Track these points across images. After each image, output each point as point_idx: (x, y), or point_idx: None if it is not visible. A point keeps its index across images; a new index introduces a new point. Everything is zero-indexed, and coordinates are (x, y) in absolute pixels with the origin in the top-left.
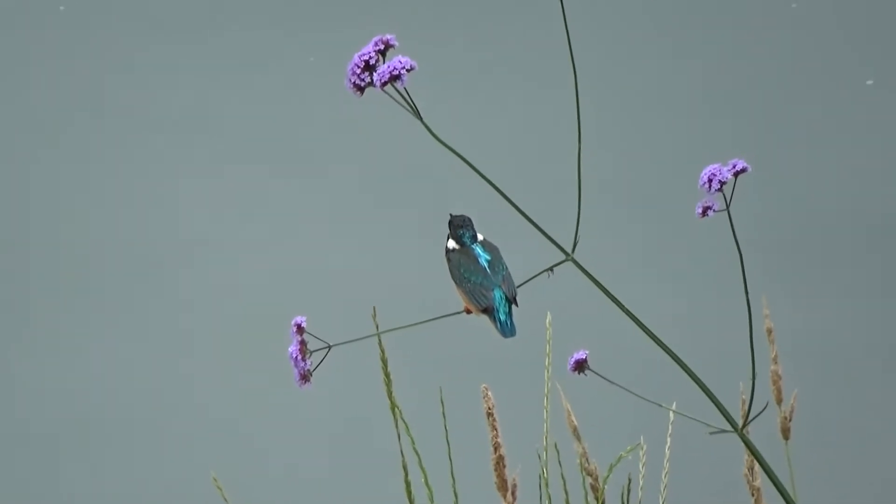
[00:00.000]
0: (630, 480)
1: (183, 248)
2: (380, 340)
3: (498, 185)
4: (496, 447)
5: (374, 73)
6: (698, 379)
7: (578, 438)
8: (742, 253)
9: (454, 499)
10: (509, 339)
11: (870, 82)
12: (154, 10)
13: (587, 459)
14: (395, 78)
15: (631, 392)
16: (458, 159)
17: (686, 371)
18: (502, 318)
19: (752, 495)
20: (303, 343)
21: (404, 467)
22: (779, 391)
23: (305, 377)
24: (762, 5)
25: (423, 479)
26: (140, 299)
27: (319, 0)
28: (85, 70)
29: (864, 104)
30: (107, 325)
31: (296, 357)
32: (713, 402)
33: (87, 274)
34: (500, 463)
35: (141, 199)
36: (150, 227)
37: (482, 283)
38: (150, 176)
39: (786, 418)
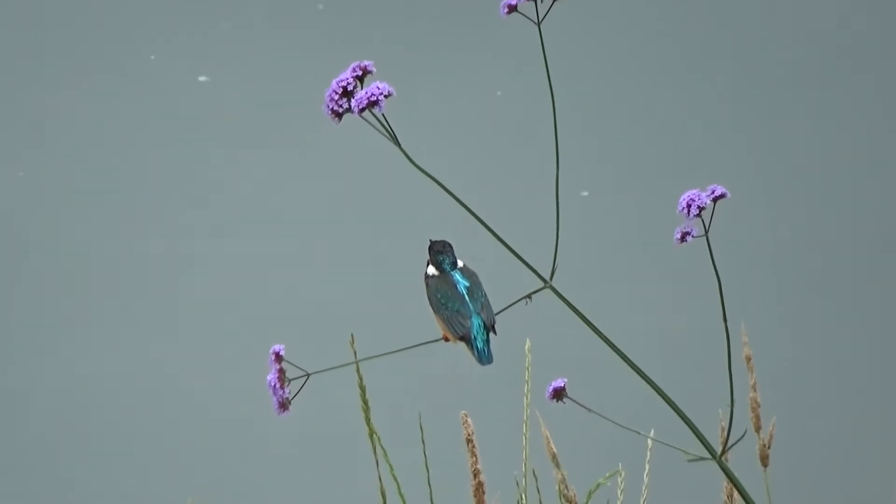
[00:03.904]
0: None
1: (166, 273)
2: (358, 368)
3: (477, 211)
4: (475, 473)
5: (352, 100)
6: (676, 406)
7: (557, 465)
8: (720, 279)
9: None
10: (487, 367)
11: (585, 193)
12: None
13: (566, 486)
14: (372, 104)
15: (609, 419)
16: (437, 185)
17: (664, 398)
18: (480, 345)
19: None
20: (281, 371)
21: (383, 493)
22: (757, 418)
23: (284, 405)
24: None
25: None
26: (128, 319)
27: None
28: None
29: (842, 131)
30: (98, 339)
31: (274, 385)
32: (692, 429)
33: (81, 284)
34: (479, 489)
35: (140, 208)
36: (146, 241)
37: (459, 311)
38: (149, 190)
39: (764, 445)
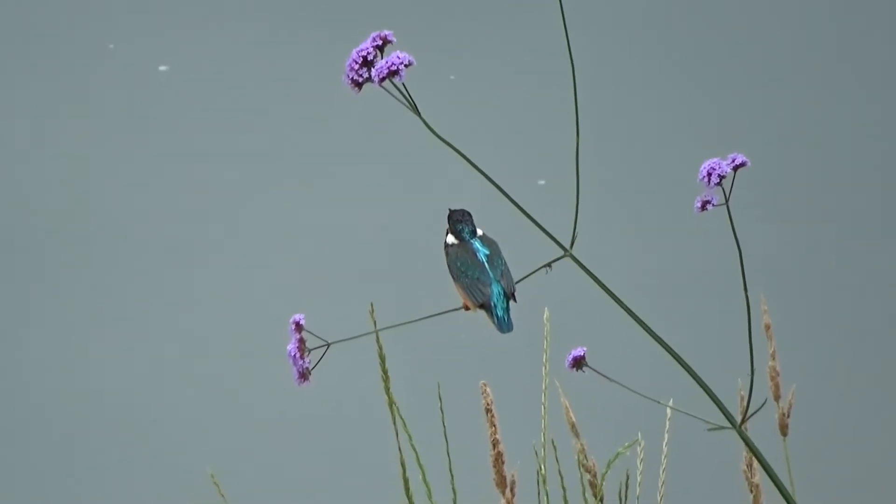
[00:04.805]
0: (628, 476)
1: (182, 247)
2: (378, 338)
3: (496, 180)
4: (495, 443)
5: (372, 69)
6: (697, 375)
7: (577, 435)
8: (741, 247)
9: (452, 495)
10: (507, 335)
11: (542, 182)
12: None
13: (585, 456)
14: (392, 73)
15: (629, 388)
16: (456, 153)
17: (684, 367)
18: (500, 313)
19: (751, 491)
20: (301, 341)
21: (402, 464)
22: (777, 387)
23: (304, 375)
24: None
25: (421, 476)
26: (140, 298)
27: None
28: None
29: (854, 103)
30: (107, 325)
31: (294, 355)
32: (711, 398)
33: (89, 272)
34: (498, 459)
35: (142, 197)
36: (150, 224)
37: (479, 279)
38: (150, 173)
39: (784, 414)
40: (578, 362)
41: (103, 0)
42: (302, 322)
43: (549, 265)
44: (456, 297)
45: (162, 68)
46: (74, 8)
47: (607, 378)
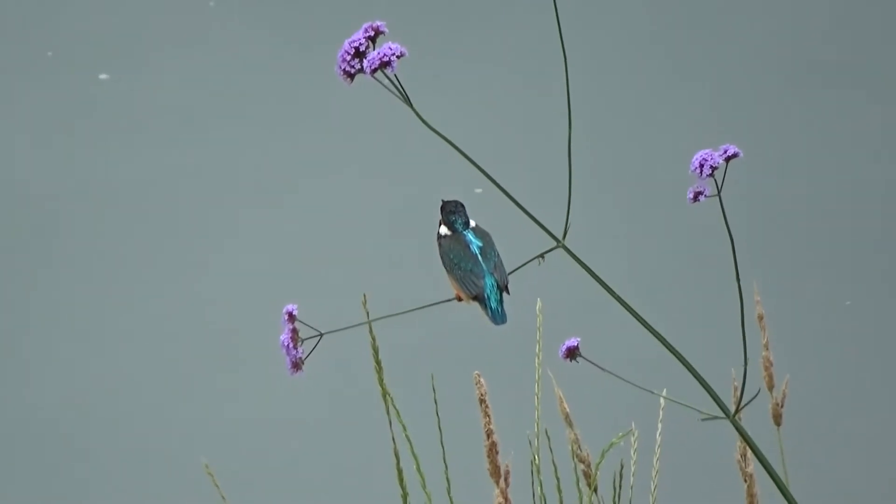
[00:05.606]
0: (622, 466)
1: (175, 236)
2: (371, 328)
3: (489, 171)
4: (489, 434)
5: (364, 60)
6: (690, 365)
7: (570, 425)
8: (733, 238)
9: (446, 485)
10: (500, 326)
11: (479, 190)
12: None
13: (579, 446)
14: (385, 64)
15: (622, 379)
16: (449, 146)
17: (678, 357)
18: (493, 305)
19: (745, 481)
20: (294, 331)
21: (396, 454)
22: (770, 377)
23: (297, 365)
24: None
25: (415, 466)
26: (134, 288)
27: None
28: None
29: (853, 95)
30: (105, 324)
31: (287, 345)
32: (705, 388)
33: (78, 264)
34: (492, 449)
35: (133, 189)
36: (142, 213)
37: (472, 271)
38: (141, 165)
39: (777, 404)
40: (572, 353)
41: (42, 7)
42: (294, 312)
43: (541, 256)
44: (449, 288)
45: (102, 77)
46: (13, 14)
47: (601, 368)
